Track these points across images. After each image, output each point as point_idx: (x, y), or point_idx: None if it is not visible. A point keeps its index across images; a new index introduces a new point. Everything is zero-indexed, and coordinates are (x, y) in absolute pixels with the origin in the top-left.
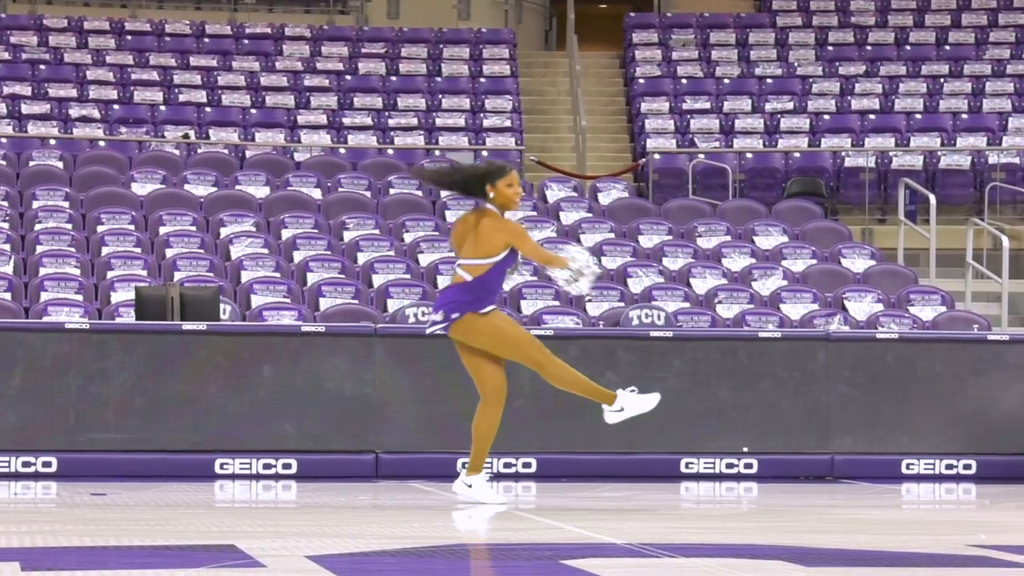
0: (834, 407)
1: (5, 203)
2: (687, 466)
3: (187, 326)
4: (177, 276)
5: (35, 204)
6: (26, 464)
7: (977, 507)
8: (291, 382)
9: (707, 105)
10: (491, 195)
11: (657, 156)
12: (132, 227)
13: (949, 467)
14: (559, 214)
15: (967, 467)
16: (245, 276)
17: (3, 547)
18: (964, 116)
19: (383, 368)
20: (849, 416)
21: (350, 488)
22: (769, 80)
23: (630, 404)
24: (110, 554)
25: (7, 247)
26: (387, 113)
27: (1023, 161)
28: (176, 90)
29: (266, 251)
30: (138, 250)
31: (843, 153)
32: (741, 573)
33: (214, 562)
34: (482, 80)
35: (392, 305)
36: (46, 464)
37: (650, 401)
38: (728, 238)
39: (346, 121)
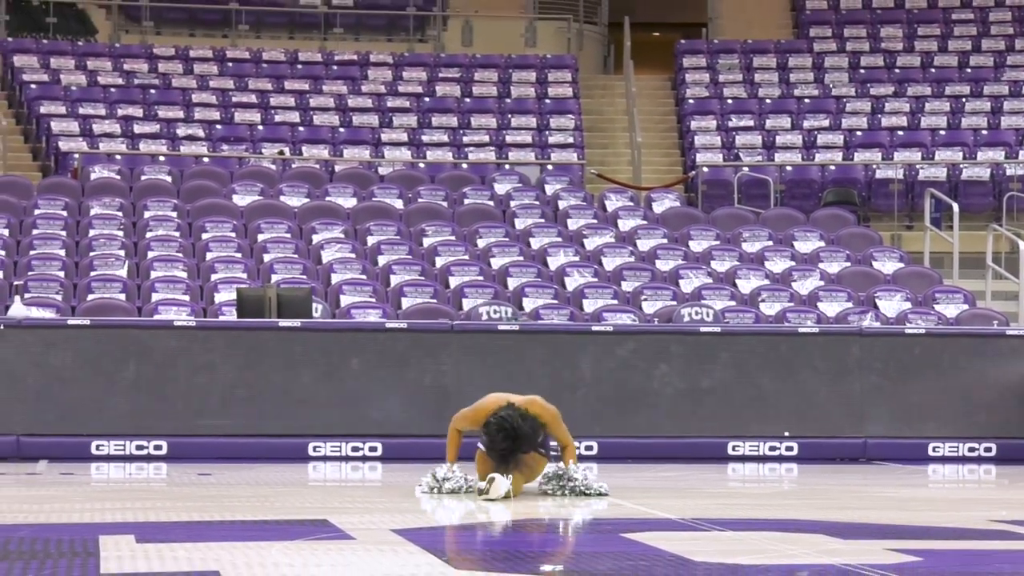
0: (867, 395)
1: (120, 213)
2: (733, 449)
3: (283, 323)
4: (274, 278)
5: (146, 214)
6: (139, 447)
7: (997, 486)
8: (376, 374)
9: (751, 123)
10: None
11: (705, 169)
12: (233, 234)
13: (971, 450)
14: (617, 222)
15: (988, 450)
16: (335, 278)
17: (120, 521)
18: (984, 132)
19: (458, 360)
20: (880, 404)
21: (430, 469)
22: (807, 100)
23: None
24: (215, 528)
25: (122, 253)
26: (461, 131)
27: None
28: (272, 111)
29: (353, 255)
30: (239, 255)
31: (874, 166)
32: (784, 545)
33: (309, 535)
34: (547, 101)
35: (467, 304)
36: (157, 447)
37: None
38: (770, 243)
39: (425, 138)
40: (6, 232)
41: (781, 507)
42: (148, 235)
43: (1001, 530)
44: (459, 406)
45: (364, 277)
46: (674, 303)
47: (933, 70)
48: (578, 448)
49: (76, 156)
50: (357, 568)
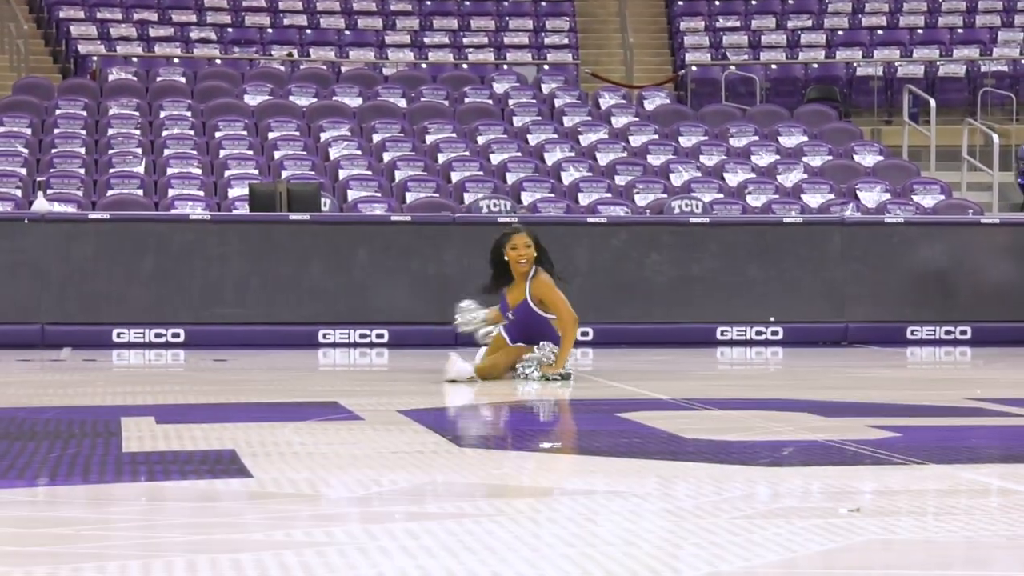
0: (848, 282)
1: (137, 113)
2: (722, 334)
3: (293, 216)
4: (284, 174)
5: (162, 114)
6: (158, 335)
7: (972, 367)
8: (382, 264)
9: (737, 24)
10: (507, 259)
11: (694, 68)
12: (245, 133)
13: (947, 333)
14: (610, 118)
15: (963, 333)
16: (342, 174)
17: (141, 404)
18: (960, 30)
19: (460, 251)
20: (861, 290)
21: (434, 354)
22: (791, 1)
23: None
24: (231, 409)
25: (139, 150)
26: (461, 33)
27: (1011, 69)
28: (281, 15)
29: (360, 152)
30: (250, 152)
31: (855, 64)
32: (771, 423)
33: (320, 416)
34: (543, 3)
35: (468, 198)
36: (175, 335)
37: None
38: (756, 138)
39: (426, 40)
40: (29, 131)
41: (767, 388)
42: (164, 133)
43: (975, 407)
44: (460, 295)
45: (370, 173)
46: (665, 196)
47: None
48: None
49: (94, 59)
50: (366, 446)
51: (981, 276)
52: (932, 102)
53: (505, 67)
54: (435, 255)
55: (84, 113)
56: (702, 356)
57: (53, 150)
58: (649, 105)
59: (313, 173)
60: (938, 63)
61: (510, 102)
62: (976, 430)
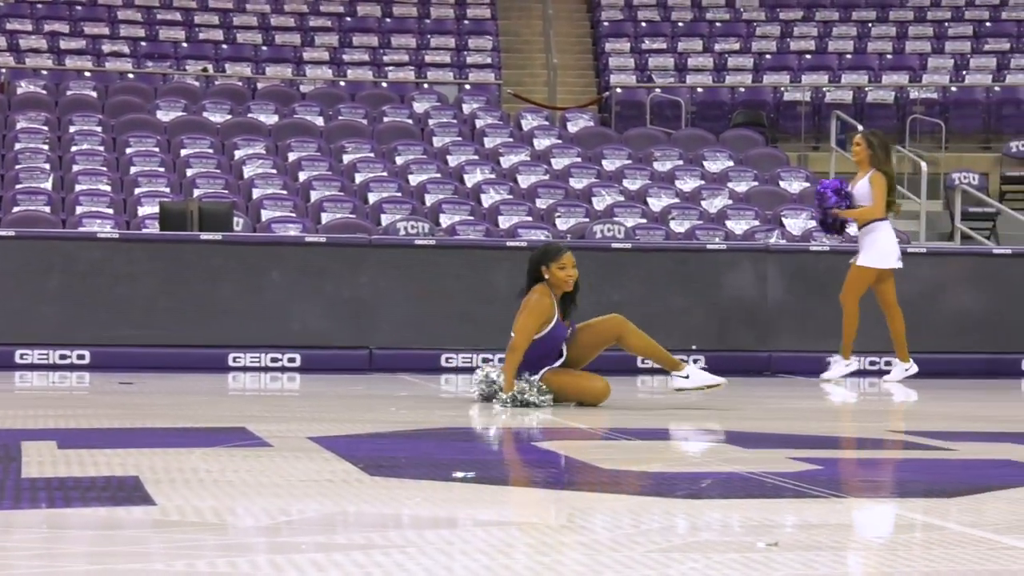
0: (772, 311)
1: (46, 127)
2: (642, 362)
3: (205, 236)
4: (196, 192)
5: (71, 129)
6: (63, 356)
7: (898, 399)
8: (296, 286)
9: (663, 45)
10: (546, 277)
11: (619, 90)
12: (157, 149)
13: (873, 363)
14: (532, 140)
15: (888, 364)
16: (256, 193)
17: (43, 428)
18: (889, 56)
19: (376, 274)
20: (785, 319)
21: (346, 379)
22: (718, 24)
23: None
24: (136, 434)
25: (47, 166)
26: (382, 50)
27: (941, 96)
28: (196, 29)
29: (275, 171)
30: (162, 169)
31: (782, 88)
32: (691, 453)
33: (227, 442)
34: (466, 22)
35: (385, 219)
36: (80, 356)
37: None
38: (681, 162)
39: (346, 57)
40: None
41: (687, 418)
42: (73, 149)
43: (898, 440)
44: (376, 319)
45: (285, 192)
46: (587, 220)
47: None
48: (491, 360)
49: (3, 71)
50: (275, 473)
51: (906, 306)
52: (860, 128)
53: (426, 86)
54: (350, 278)
55: None
56: (623, 385)
57: None
58: (572, 127)
59: (226, 192)
60: (867, 89)
61: (430, 122)
62: (899, 463)
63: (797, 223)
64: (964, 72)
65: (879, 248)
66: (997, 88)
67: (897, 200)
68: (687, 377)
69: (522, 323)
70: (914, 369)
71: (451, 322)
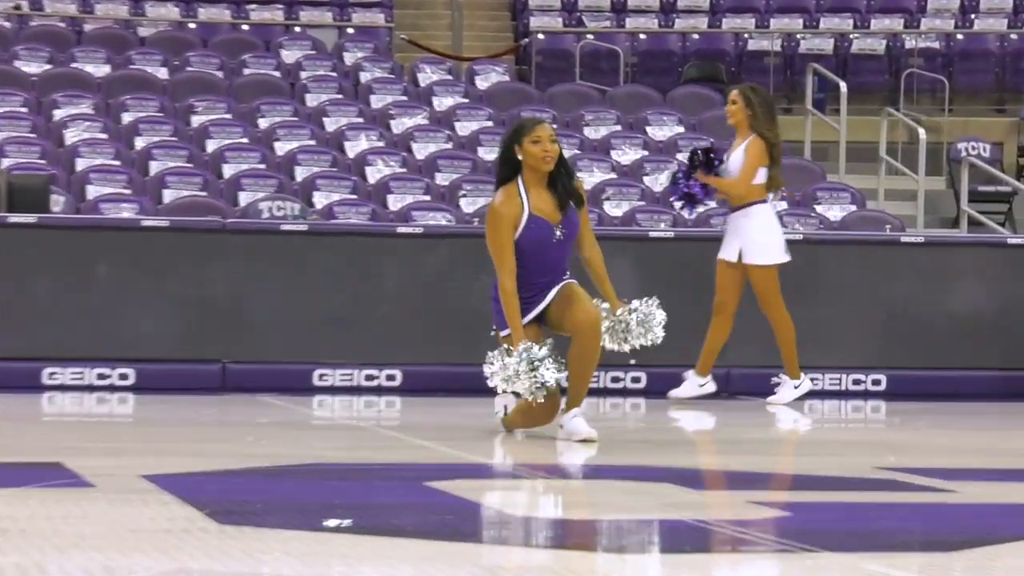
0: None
1: None
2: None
3: (14, 218)
4: (4, 163)
5: None
6: None
7: (886, 426)
8: (130, 283)
9: None
10: (520, 158)
11: (541, 36)
12: None
13: (857, 382)
14: (431, 100)
15: (876, 383)
16: (80, 164)
17: None
18: None
19: (232, 268)
20: (747, 325)
21: (194, 401)
22: None
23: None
24: None
25: None
26: None
27: (944, 46)
28: None
29: (105, 136)
30: None
31: (745, 35)
32: (625, 496)
33: (37, 481)
34: None
35: (244, 198)
36: None
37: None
38: (618, 128)
39: None
40: None
41: (625, 451)
42: None
43: (887, 479)
44: (232, 323)
45: (117, 163)
46: None
47: None
48: (377, 376)
49: None
50: (97, 521)
51: (900, 310)
52: (843, 86)
53: (297, 29)
54: (199, 273)
55: None
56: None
57: None
58: (482, 83)
59: (43, 162)
60: (851, 36)
61: (302, 75)
62: (886, 508)
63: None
64: (973, 16)
65: (763, 240)
66: (1014, 36)
67: (781, 176)
68: (562, 426)
69: (493, 251)
70: (807, 387)
71: (327, 330)
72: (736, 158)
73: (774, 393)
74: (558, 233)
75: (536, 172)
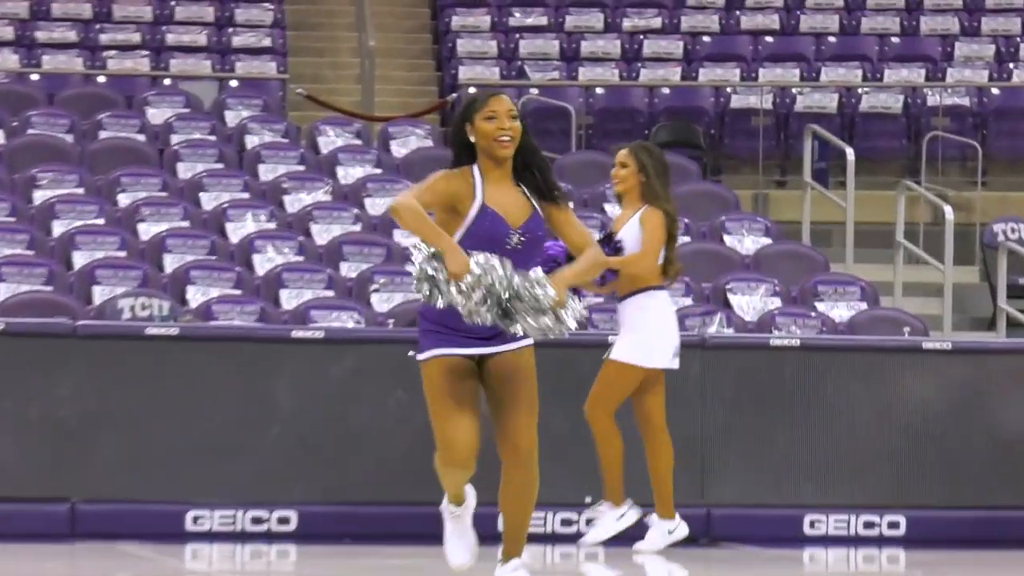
0: (711, 440)
1: None
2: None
3: None
4: None
5: None
6: None
7: None
8: None
9: (543, 20)
10: (473, 140)
11: (472, 90)
12: None
13: (868, 525)
14: (335, 170)
15: (893, 525)
16: None
17: None
18: (895, 40)
19: (84, 382)
20: (732, 453)
21: (35, 552)
22: None
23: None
24: None
25: None
26: (98, 26)
27: (974, 103)
28: None
29: None
30: None
31: (728, 89)
32: None
33: None
34: None
35: (100, 294)
36: None
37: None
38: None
39: (40, 36)
40: None
41: None
42: None
43: None
44: (83, 450)
45: None
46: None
47: None
48: (267, 519)
49: None
50: None
51: (922, 433)
52: (850, 153)
53: (167, 81)
54: (43, 389)
55: None
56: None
57: None
58: (399, 148)
59: None
60: (860, 91)
61: (173, 139)
62: None
63: (751, 301)
64: (1011, 65)
65: (647, 335)
66: None
67: (677, 261)
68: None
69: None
70: (683, 531)
71: (203, 460)
72: (631, 232)
73: (642, 539)
74: (515, 239)
75: (492, 158)
